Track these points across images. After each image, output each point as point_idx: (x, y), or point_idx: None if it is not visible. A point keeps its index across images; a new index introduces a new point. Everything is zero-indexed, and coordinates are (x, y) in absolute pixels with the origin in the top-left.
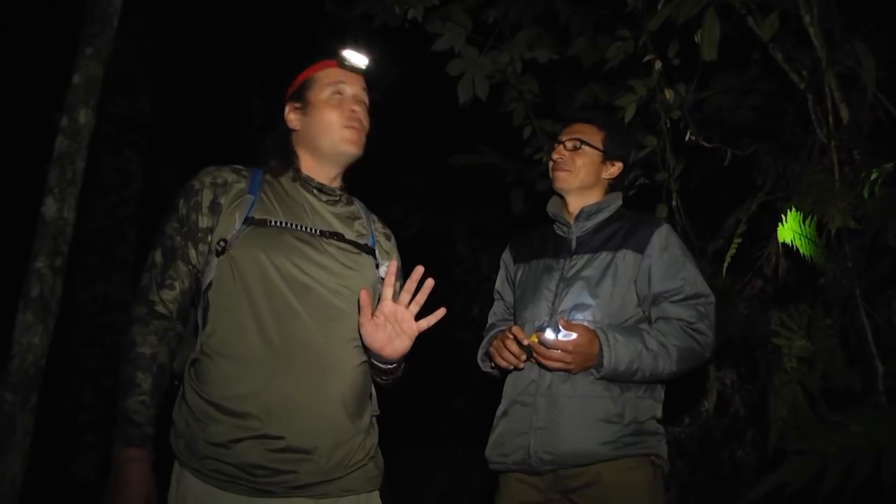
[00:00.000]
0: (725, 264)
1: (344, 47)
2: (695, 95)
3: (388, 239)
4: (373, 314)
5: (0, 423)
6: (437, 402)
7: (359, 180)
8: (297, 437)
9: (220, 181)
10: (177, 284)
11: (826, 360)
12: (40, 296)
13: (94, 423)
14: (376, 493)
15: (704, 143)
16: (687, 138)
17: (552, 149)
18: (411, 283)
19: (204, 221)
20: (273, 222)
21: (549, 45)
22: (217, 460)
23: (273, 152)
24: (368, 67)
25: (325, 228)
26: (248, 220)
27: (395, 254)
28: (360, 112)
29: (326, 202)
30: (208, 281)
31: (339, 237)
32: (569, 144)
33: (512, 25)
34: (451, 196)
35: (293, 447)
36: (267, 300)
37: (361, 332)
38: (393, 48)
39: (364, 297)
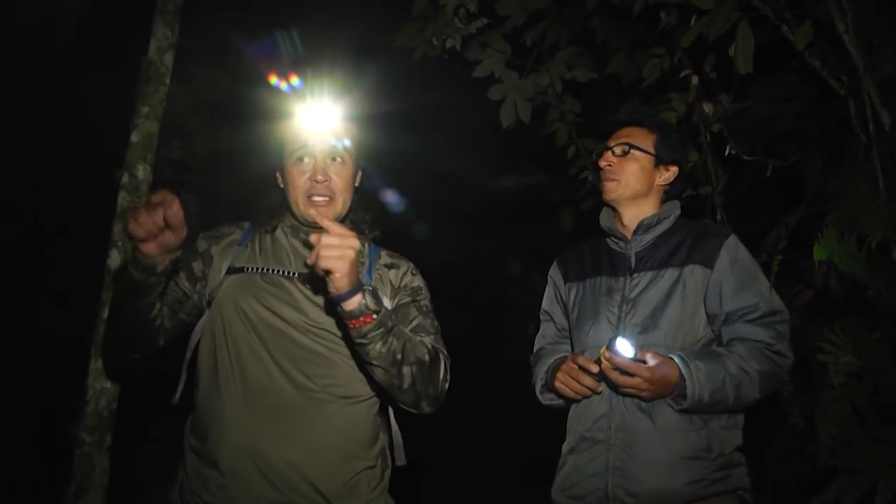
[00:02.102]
0: (771, 282)
1: (305, 104)
2: (734, 107)
3: (394, 268)
4: None
5: (80, 462)
6: (493, 425)
7: (411, 207)
8: (246, 487)
9: (217, 233)
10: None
11: (876, 376)
12: None
13: (166, 455)
14: None
15: (745, 157)
16: (727, 152)
17: (600, 155)
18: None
19: (198, 266)
20: (249, 269)
21: (588, 63)
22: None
23: (267, 208)
24: (337, 115)
25: (304, 271)
26: (229, 270)
27: (401, 282)
28: (331, 175)
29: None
30: (197, 338)
31: (318, 278)
32: (617, 150)
33: (550, 47)
34: (502, 217)
35: (245, 497)
36: (233, 347)
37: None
38: (434, 77)
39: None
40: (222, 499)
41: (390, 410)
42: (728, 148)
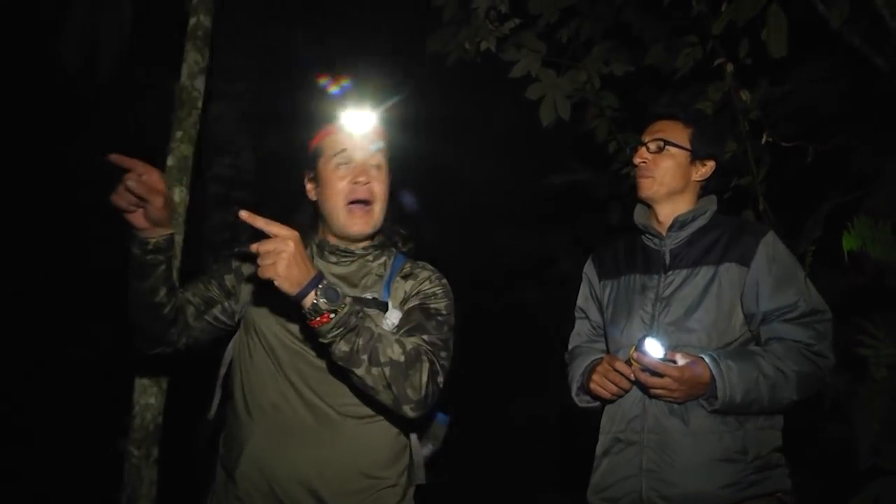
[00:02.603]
0: (804, 274)
1: (345, 109)
2: (772, 92)
3: (410, 278)
4: None
5: (129, 474)
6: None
7: (460, 211)
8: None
9: (249, 253)
10: (191, 290)
11: None
12: (155, 358)
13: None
14: None
15: (783, 143)
16: (763, 140)
17: (634, 150)
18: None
19: (229, 281)
20: (271, 290)
21: (625, 57)
22: None
23: (301, 223)
24: (377, 120)
25: None
26: (254, 291)
27: (415, 289)
28: (372, 177)
29: (336, 263)
30: (230, 356)
31: None
32: (652, 146)
33: (585, 42)
34: (551, 215)
35: None
36: (253, 366)
37: None
38: (473, 80)
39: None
40: None
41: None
42: (765, 135)
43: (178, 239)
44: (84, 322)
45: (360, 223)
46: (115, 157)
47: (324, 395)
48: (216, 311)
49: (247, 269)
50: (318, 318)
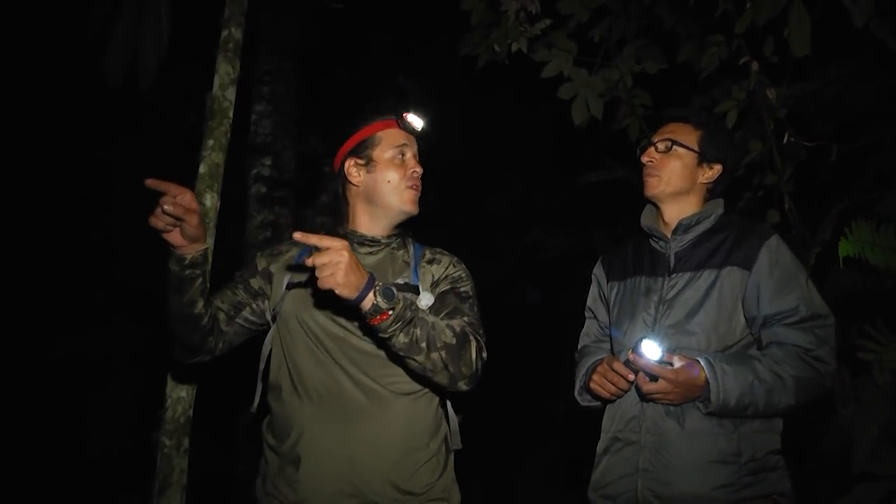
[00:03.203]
0: (807, 277)
1: (407, 110)
2: (803, 87)
3: (435, 263)
4: None
5: (161, 463)
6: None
7: (496, 209)
8: (323, 485)
9: (275, 252)
10: (219, 298)
11: None
12: None
13: (247, 456)
14: None
15: (805, 143)
16: (785, 140)
17: (643, 150)
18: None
19: (256, 282)
20: (307, 282)
21: (657, 55)
22: (274, 496)
23: (326, 206)
24: (424, 130)
25: None
26: (289, 286)
27: (443, 274)
28: (419, 174)
29: (366, 253)
30: (268, 349)
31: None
32: (660, 146)
33: (618, 41)
34: (588, 213)
35: (319, 495)
36: (301, 356)
37: None
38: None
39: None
40: (298, 492)
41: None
42: (787, 135)
43: (210, 242)
44: (125, 324)
45: (412, 204)
46: (150, 182)
47: (374, 377)
48: (245, 313)
49: (276, 268)
50: (378, 317)
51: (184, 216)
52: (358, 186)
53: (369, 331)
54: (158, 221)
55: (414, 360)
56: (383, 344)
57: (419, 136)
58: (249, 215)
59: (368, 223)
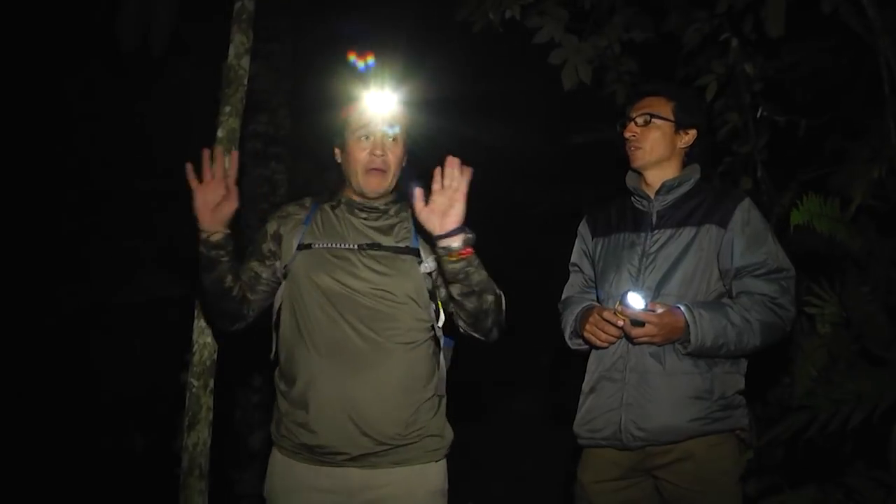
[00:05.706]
0: (773, 233)
1: (368, 90)
2: (771, 65)
3: None
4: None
5: (190, 401)
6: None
7: (485, 166)
8: (332, 426)
9: (283, 214)
10: (243, 270)
11: (864, 323)
12: None
13: (263, 403)
14: (434, 465)
15: (776, 117)
16: (759, 114)
17: (624, 126)
18: (444, 170)
19: (267, 246)
20: (317, 245)
21: (645, 24)
22: (287, 438)
23: (329, 187)
24: (396, 101)
25: (363, 242)
26: (299, 247)
27: None
28: (387, 151)
29: (366, 219)
30: (279, 303)
31: (377, 247)
32: (639, 120)
33: (608, 9)
34: (576, 173)
35: (330, 434)
36: (312, 312)
37: (424, 223)
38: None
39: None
40: (310, 432)
41: (442, 350)
42: (760, 109)
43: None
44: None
45: (374, 184)
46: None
47: (377, 330)
48: (265, 276)
49: (285, 230)
50: (467, 249)
51: (225, 201)
52: (341, 165)
53: (362, 288)
54: (208, 189)
55: (484, 299)
56: (457, 279)
57: (400, 115)
58: (245, 171)
59: (358, 197)
